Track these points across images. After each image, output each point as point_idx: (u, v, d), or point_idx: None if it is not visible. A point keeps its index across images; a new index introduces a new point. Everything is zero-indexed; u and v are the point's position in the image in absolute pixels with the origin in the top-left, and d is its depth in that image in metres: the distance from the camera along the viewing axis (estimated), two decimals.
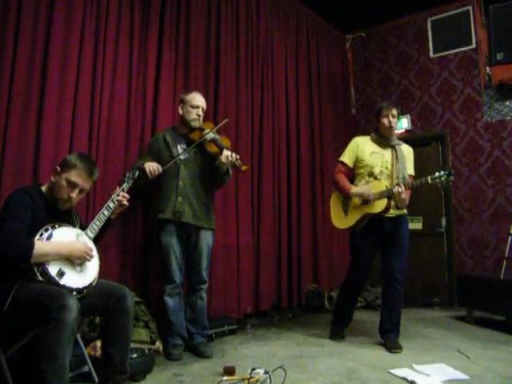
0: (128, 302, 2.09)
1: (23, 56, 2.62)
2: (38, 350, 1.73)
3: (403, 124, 5.44)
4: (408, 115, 5.46)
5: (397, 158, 3.17)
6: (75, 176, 2.06)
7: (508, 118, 4.85)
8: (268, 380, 2.31)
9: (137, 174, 2.57)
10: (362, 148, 3.24)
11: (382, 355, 2.95)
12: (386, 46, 5.83)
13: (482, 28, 5.04)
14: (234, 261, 3.87)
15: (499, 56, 4.62)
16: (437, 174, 2.89)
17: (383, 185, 3.08)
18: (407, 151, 3.27)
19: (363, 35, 6.03)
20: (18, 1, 2.63)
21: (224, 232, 3.78)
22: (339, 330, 3.38)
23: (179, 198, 2.91)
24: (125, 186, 2.45)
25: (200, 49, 3.81)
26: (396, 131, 3.36)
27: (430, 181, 2.89)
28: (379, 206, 3.05)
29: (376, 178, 3.16)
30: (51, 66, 2.74)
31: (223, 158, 2.85)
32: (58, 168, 2.09)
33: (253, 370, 2.39)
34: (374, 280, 4.59)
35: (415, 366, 2.62)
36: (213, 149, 2.95)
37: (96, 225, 2.21)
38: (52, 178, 2.10)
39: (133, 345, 2.52)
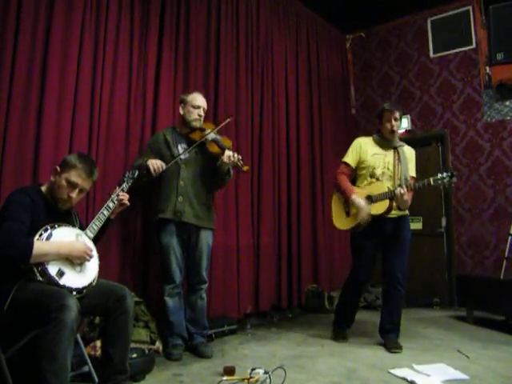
0: (128, 301, 2.09)
1: (23, 56, 2.62)
2: (37, 350, 1.73)
3: (403, 124, 5.44)
4: (408, 115, 5.46)
5: (399, 159, 3.17)
6: (75, 176, 2.06)
7: (508, 117, 4.85)
8: (268, 380, 2.31)
9: (136, 173, 2.57)
10: (365, 149, 3.23)
11: (382, 355, 2.95)
12: (386, 46, 5.83)
13: (481, 28, 5.04)
14: (234, 261, 3.87)
15: (499, 56, 4.62)
16: (439, 175, 2.88)
17: (385, 186, 3.08)
18: (409, 153, 3.26)
19: (363, 35, 6.03)
20: (18, 1, 2.63)
21: (224, 232, 3.78)
22: (341, 330, 3.37)
23: (180, 198, 2.91)
24: (124, 185, 2.45)
25: (200, 49, 3.81)
26: None
27: (432, 182, 2.89)
28: (381, 207, 3.05)
29: (378, 179, 3.16)
30: (51, 66, 2.74)
31: (225, 158, 2.86)
32: (58, 168, 2.09)
33: (253, 370, 2.39)
34: (375, 280, 4.59)
35: (415, 366, 2.62)
36: (214, 149, 2.96)
37: (96, 225, 2.21)
38: (52, 178, 2.10)
39: (133, 345, 2.52)
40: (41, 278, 1.87)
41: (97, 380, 2.18)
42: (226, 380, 2.37)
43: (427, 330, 3.72)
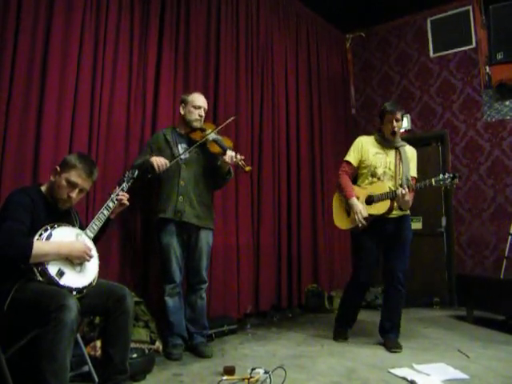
0: (128, 301, 2.09)
1: (23, 56, 2.62)
2: (37, 350, 1.73)
3: (403, 124, 5.44)
4: (408, 115, 5.46)
5: (401, 159, 3.16)
6: (75, 176, 2.06)
7: (508, 117, 4.85)
8: (268, 380, 2.31)
9: (136, 173, 2.57)
10: (366, 148, 3.23)
11: (381, 355, 2.95)
12: (386, 45, 5.83)
13: (481, 28, 5.04)
14: (234, 261, 3.87)
15: (499, 56, 4.62)
16: (441, 176, 2.88)
17: (386, 186, 3.08)
18: (411, 153, 3.25)
19: (363, 35, 6.03)
20: (18, 1, 2.63)
21: (224, 232, 3.78)
22: (342, 330, 3.36)
23: (180, 198, 2.91)
24: (124, 185, 2.45)
25: (200, 49, 3.81)
26: None
27: (434, 183, 2.88)
28: (382, 207, 3.05)
29: (379, 179, 3.15)
30: (51, 66, 2.74)
31: (227, 159, 2.87)
32: (58, 168, 2.09)
33: (253, 369, 2.38)
34: (374, 280, 4.59)
35: (415, 366, 2.62)
36: (215, 149, 2.96)
37: (96, 224, 2.21)
38: (52, 178, 2.10)
39: (133, 345, 2.52)
40: (41, 278, 1.88)
41: (97, 380, 2.18)
42: (226, 380, 2.37)
43: (427, 330, 3.72)
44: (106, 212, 2.28)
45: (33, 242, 1.85)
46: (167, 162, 2.85)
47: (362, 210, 3.07)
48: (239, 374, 2.43)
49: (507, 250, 4.02)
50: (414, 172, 3.22)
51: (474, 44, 5.13)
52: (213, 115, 3.81)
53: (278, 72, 4.70)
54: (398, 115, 3.13)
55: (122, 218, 2.94)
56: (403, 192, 2.92)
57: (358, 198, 3.15)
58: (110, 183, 2.91)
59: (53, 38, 2.76)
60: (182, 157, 2.95)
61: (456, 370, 2.55)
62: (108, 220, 2.31)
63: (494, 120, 4.93)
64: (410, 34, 5.63)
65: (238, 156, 2.89)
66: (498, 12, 4.66)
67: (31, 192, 2.05)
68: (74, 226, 2.15)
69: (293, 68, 4.94)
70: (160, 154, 2.96)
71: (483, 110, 5.01)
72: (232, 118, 3.11)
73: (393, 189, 3.04)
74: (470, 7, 5.15)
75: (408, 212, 3.21)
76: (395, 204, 3.04)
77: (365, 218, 3.08)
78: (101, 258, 2.19)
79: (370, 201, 3.11)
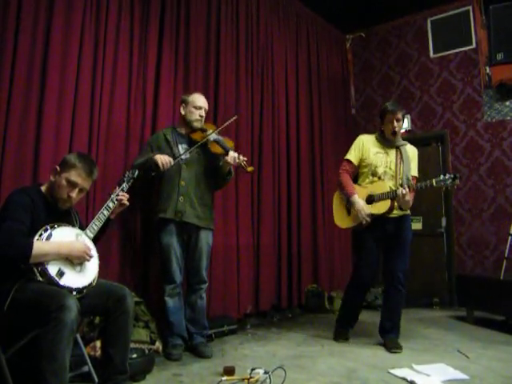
0: (128, 302, 2.09)
1: (23, 56, 2.62)
2: (37, 350, 1.73)
3: (403, 124, 5.44)
4: (408, 115, 5.46)
5: (401, 158, 3.16)
6: (75, 175, 2.06)
7: (508, 118, 4.85)
8: (268, 380, 2.31)
9: (136, 173, 2.57)
10: (367, 147, 3.23)
11: (381, 355, 2.95)
12: (386, 46, 5.83)
13: (482, 28, 5.04)
14: (233, 261, 3.87)
15: (499, 56, 4.62)
16: (442, 176, 2.87)
17: (387, 185, 3.08)
18: (412, 152, 3.25)
19: (363, 35, 6.03)
20: (18, 1, 2.63)
21: (224, 232, 3.78)
22: (343, 330, 3.36)
23: (181, 198, 2.91)
24: (124, 185, 2.45)
25: (200, 49, 3.81)
26: None
27: (434, 184, 2.88)
28: (382, 206, 3.05)
29: (380, 178, 3.15)
30: (51, 67, 2.74)
31: (230, 160, 2.88)
32: (58, 168, 2.09)
33: (253, 369, 2.39)
34: (374, 280, 4.59)
35: (415, 366, 2.62)
36: (217, 149, 2.97)
37: (95, 225, 2.21)
38: (52, 178, 2.10)
39: (133, 345, 2.52)
40: (41, 278, 1.88)
41: (97, 380, 2.18)
42: (226, 380, 2.37)
43: (427, 330, 3.72)
44: (106, 212, 2.28)
45: (33, 242, 1.85)
46: (171, 160, 2.85)
47: (364, 206, 3.07)
48: (239, 374, 2.43)
49: (507, 250, 4.02)
50: (414, 171, 3.21)
51: (474, 44, 5.13)
52: (213, 115, 3.81)
53: (278, 72, 4.70)
54: (399, 115, 3.12)
55: (121, 218, 2.94)
56: (403, 192, 2.92)
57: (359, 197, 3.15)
58: (110, 183, 2.91)
59: (53, 38, 2.76)
60: (183, 157, 2.95)
61: (456, 370, 2.55)
62: (108, 220, 2.31)
63: (494, 120, 4.93)
64: (410, 34, 5.63)
65: (241, 157, 2.90)
66: (498, 12, 4.66)
67: (31, 192, 2.05)
68: (73, 226, 2.15)
69: (293, 68, 4.94)
70: (160, 153, 2.95)
71: (483, 110, 5.01)
72: (234, 118, 3.11)
73: (393, 188, 3.04)
74: (470, 7, 5.15)
75: (408, 212, 3.21)
76: (395, 204, 3.04)
77: (368, 215, 3.09)
78: (101, 258, 2.19)
79: (370, 200, 3.11)
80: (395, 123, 3.12)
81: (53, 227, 1.98)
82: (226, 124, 3.09)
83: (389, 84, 5.76)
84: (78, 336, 2.21)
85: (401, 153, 3.18)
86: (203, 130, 3.04)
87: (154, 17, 3.44)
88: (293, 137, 4.78)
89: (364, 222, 3.07)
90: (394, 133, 3.15)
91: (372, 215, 3.08)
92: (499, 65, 4.67)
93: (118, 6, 3.19)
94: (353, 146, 3.31)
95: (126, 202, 2.41)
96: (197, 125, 3.03)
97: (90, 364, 2.22)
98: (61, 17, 2.82)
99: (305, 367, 2.67)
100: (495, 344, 3.19)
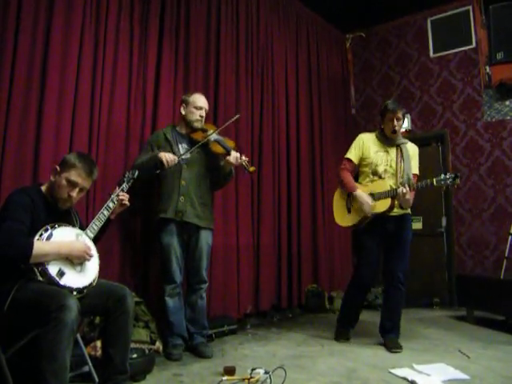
0: (128, 302, 2.09)
1: (23, 56, 2.62)
2: (37, 350, 1.73)
3: (404, 124, 5.44)
4: (408, 115, 5.45)
5: (402, 157, 3.15)
6: (75, 175, 2.06)
7: (508, 117, 4.85)
8: (268, 380, 2.31)
9: (136, 174, 2.56)
10: (368, 145, 3.22)
11: (382, 355, 2.95)
12: (386, 46, 5.83)
13: (481, 28, 5.04)
14: (233, 261, 3.87)
15: (499, 56, 4.62)
16: (442, 176, 2.87)
17: (387, 184, 3.07)
18: (412, 150, 3.24)
19: (363, 35, 6.03)
20: (18, 1, 2.63)
21: (224, 232, 3.78)
22: (344, 330, 3.35)
23: (181, 198, 2.91)
24: (124, 186, 2.45)
25: (200, 49, 3.81)
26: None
27: (435, 183, 2.88)
28: (383, 205, 3.05)
29: (380, 177, 3.15)
30: (51, 67, 2.74)
31: (232, 160, 2.88)
32: (58, 167, 2.09)
33: (253, 370, 2.38)
34: (374, 280, 4.59)
35: (415, 366, 2.62)
36: (218, 149, 2.97)
37: (96, 225, 2.21)
38: (52, 178, 2.10)
39: (133, 345, 2.52)
40: (41, 278, 1.87)
41: (97, 380, 2.18)
42: (227, 380, 2.37)
43: (427, 330, 3.72)
44: (106, 212, 2.28)
45: (33, 242, 1.85)
46: (176, 157, 2.85)
47: (368, 199, 3.07)
48: (239, 374, 2.43)
49: (507, 250, 4.02)
50: (415, 169, 3.21)
51: (474, 44, 5.13)
52: (213, 115, 3.81)
53: (278, 72, 4.70)
54: (399, 114, 3.12)
55: (122, 218, 2.94)
56: (404, 191, 2.92)
57: None
58: (110, 183, 2.91)
59: (53, 38, 2.76)
60: (184, 157, 2.94)
61: (456, 370, 2.55)
62: (108, 220, 2.31)
63: (494, 120, 4.93)
64: (410, 34, 5.63)
65: (243, 157, 2.91)
66: (497, 12, 4.66)
67: (31, 192, 2.05)
68: (74, 226, 2.15)
69: (293, 68, 4.94)
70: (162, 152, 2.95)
71: (483, 109, 5.01)
72: (237, 116, 3.11)
73: (394, 187, 3.04)
74: (470, 7, 5.15)
75: (409, 211, 3.20)
76: (396, 202, 3.04)
77: (365, 216, 3.09)
78: (101, 258, 2.19)
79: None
80: (395, 122, 3.12)
81: (53, 227, 1.98)
82: (228, 122, 3.10)
83: (389, 84, 5.76)
84: (79, 336, 2.21)
85: (401, 151, 3.18)
86: (203, 130, 3.04)
87: (153, 17, 3.44)
88: (293, 137, 4.78)
89: (369, 215, 3.06)
90: (394, 131, 3.14)
91: (372, 214, 3.09)
92: (499, 64, 4.67)
93: (117, 6, 3.18)
94: (353, 145, 3.31)
95: (127, 203, 2.41)
96: (197, 125, 3.03)
97: (90, 364, 2.22)
98: (61, 17, 2.82)
99: (305, 367, 2.67)
100: (495, 344, 3.19)
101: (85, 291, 1.99)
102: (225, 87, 3.99)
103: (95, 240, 2.20)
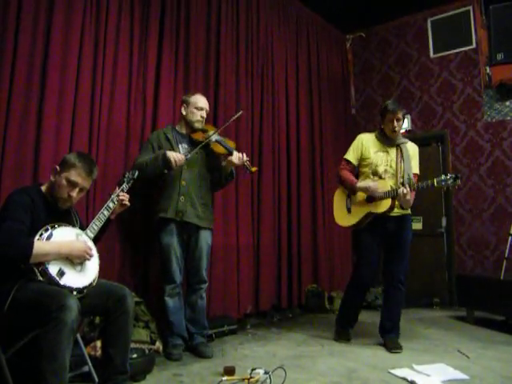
0: (128, 302, 2.09)
1: (23, 56, 2.62)
2: (38, 350, 1.73)
3: (403, 124, 5.44)
4: (408, 115, 5.45)
5: (402, 157, 3.15)
6: (75, 175, 2.06)
7: (508, 118, 4.85)
8: (268, 380, 2.31)
9: (136, 174, 2.56)
10: (367, 146, 3.22)
11: (382, 355, 2.95)
12: (386, 46, 5.83)
13: (482, 28, 5.04)
14: (233, 261, 3.87)
15: (499, 56, 4.62)
16: (443, 176, 2.87)
17: (388, 184, 3.07)
18: (412, 150, 3.24)
19: (363, 35, 6.03)
20: (18, 1, 2.63)
21: (224, 232, 3.78)
22: (343, 331, 3.35)
23: (181, 198, 2.91)
24: (124, 186, 2.45)
25: (200, 50, 3.81)
26: None
27: (436, 184, 2.88)
28: (383, 205, 3.04)
29: (380, 177, 3.15)
30: (51, 67, 2.74)
31: (235, 160, 2.89)
32: (58, 167, 2.09)
33: (253, 370, 2.39)
34: (374, 280, 4.59)
35: (415, 366, 2.62)
36: (219, 149, 2.97)
37: (96, 225, 2.21)
38: (52, 178, 2.10)
39: (133, 345, 2.52)
40: (41, 278, 1.88)
41: (97, 380, 2.18)
42: (226, 380, 2.38)
43: (427, 330, 3.72)
44: (106, 212, 2.28)
45: (33, 242, 1.85)
46: (183, 157, 2.85)
47: (369, 182, 3.06)
48: (239, 374, 2.43)
49: (507, 250, 4.01)
50: (416, 169, 3.21)
51: (474, 44, 5.13)
52: (213, 115, 3.81)
53: (278, 72, 4.70)
54: (399, 115, 3.11)
55: (122, 218, 2.93)
56: (404, 191, 2.92)
57: (359, 196, 3.15)
58: (110, 183, 2.91)
59: (53, 38, 2.76)
60: (188, 157, 2.93)
61: (456, 370, 2.55)
62: (108, 220, 2.31)
63: (494, 120, 4.93)
64: (410, 35, 5.63)
65: (245, 157, 2.90)
66: (498, 12, 4.66)
67: (31, 192, 2.05)
68: (74, 225, 2.15)
69: (293, 68, 4.94)
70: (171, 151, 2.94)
71: (483, 110, 5.01)
72: (240, 113, 3.10)
73: (394, 187, 3.04)
74: (471, 7, 5.15)
75: (409, 211, 3.20)
76: (396, 202, 3.04)
77: (365, 216, 3.09)
78: (101, 258, 2.19)
79: (371, 199, 3.11)
80: (395, 123, 3.12)
81: (53, 227, 1.98)
82: (232, 119, 3.10)
83: (389, 84, 5.76)
84: (79, 336, 2.22)
85: (401, 151, 3.18)
86: (204, 131, 3.05)
87: (154, 17, 3.44)
88: (293, 137, 4.78)
89: (376, 195, 3.03)
90: (394, 132, 3.14)
91: (372, 214, 3.09)
92: (499, 65, 4.67)
93: (118, 6, 3.18)
94: (352, 146, 3.30)
95: (127, 203, 2.41)
96: (198, 125, 3.04)
97: (90, 364, 2.23)
98: (61, 17, 2.82)
99: (305, 367, 2.67)
100: (495, 344, 3.19)
101: (85, 291, 1.99)
102: (225, 87, 3.99)
103: (95, 240, 2.20)
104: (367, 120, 5.88)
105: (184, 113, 3.05)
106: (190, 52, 3.70)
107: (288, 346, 3.23)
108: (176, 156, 2.80)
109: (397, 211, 3.10)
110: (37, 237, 1.90)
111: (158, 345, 2.91)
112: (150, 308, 3.01)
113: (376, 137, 3.26)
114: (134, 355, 2.42)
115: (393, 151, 3.20)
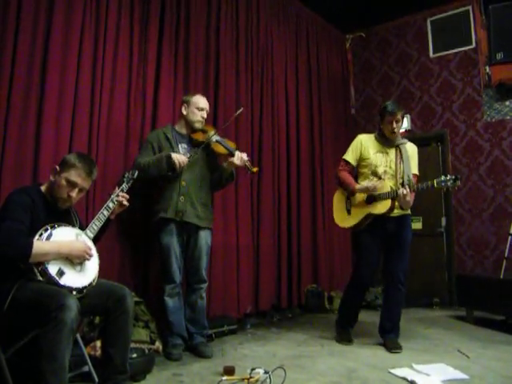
0: (128, 301, 2.09)
1: (23, 56, 2.62)
2: (37, 349, 1.73)
3: (403, 124, 5.44)
4: (408, 115, 5.45)
5: (401, 157, 3.15)
6: (75, 175, 2.06)
7: (508, 117, 4.85)
8: (268, 380, 2.31)
9: (136, 174, 2.56)
10: (366, 146, 3.21)
11: (382, 355, 2.95)
12: (386, 46, 5.83)
13: (481, 28, 5.04)
14: (233, 261, 3.87)
15: (499, 56, 4.62)
16: (443, 177, 2.87)
17: (388, 185, 3.07)
18: (412, 150, 3.23)
19: (363, 35, 6.03)
20: (18, 1, 2.63)
21: (224, 232, 3.78)
22: (344, 331, 3.34)
23: (181, 198, 2.91)
24: (124, 186, 2.45)
25: (200, 49, 3.81)
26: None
27: (436, 184, 2.88)
28: (383, 206, 3.04)
29: (380, 178, 3.14)
30: (51, 66, 2.74)
31: (237, 160, 2.89)
32: (58, 167, 2.09)
33: (253, 369, 2.39)
34: (374, 280, 4.59)
35: (415, 366, 2.62)
36: (220, 150, 2.97)
37: (95, 225, 2.21)
38: (51, 178, 2.10)
39: (133, 345, 2.52)
40: (41, 278, 1.88)
41: (97, 380, 2.18)
42: (226, 380, 2.37)
43: (427, 330, 3.72)
44: (105, 212, 2.28)
45: (33, 242, 1.85)
46: (186, 158, 2.85)
47: (367, 182, 3.06)
48: (239, 374, 2.43)
49: (507, 250, 4.02)
50: (415, 169, 3.21)
51: (473, 44, 5.13)
52: (213, 115, 3.80)
53: (278, 72, 4.70)
54: (399, 116, 3.11)
55: (122, 218, 2.93)
56: (404, 192, 2.92)
57: (359, 198, 3.15)
58: (110, 183, 2.91)
59: (53, 39, 2.76)
60: (190, 158, 2.93)
61: (456, 370, 2.55)
62: (108, 220, 2.31)
63: (493, 120, 4.93)
64: (410, 34, 5.63)
65: (246, 157, 2.91)
66: (497, 12, 4.66)
67: (31, 192, 2.05)
68: (73, 225, 2.15)
69: (293, 68, 4.94)
70: (162, 151, 2.95)
71: (483, 110, 5.01)
72: (241, 110, 3.10)
73: (394, 188, 3.04)
74: (470, 7, 5.15)
75: (409, 211, 3.20)
76: (396, 203, 3.04)
77: (365, 217, 3.09)
78: (101, 258, 2.19)
79: (371, 200, 3.10)
80: (394, 124, 3.11)
81: (53, 227, 1.98)
82: (233, 117, 3.11)
83: (389, 84, 5.76)
84: (78, 336, 2.21)
85: (400, 152, 3.17)
86: (204, 131, 3.05)
87: (153, 16, 3.44)
88: (293, 137, 4.78)
89: (376, 192, 3.03)
90: (394, 133, 3.14)
91: (372, 215, 3.09)
92: (499, 64, 4.67)
93: (117, 6, 3.18)
94: (350, 147, 3.30)
95: (126, 203, 2.41)
96: (198, 126, 3.04)
97: (90, 364, 2.22)
98: (61, 16, 2.82)
99: (305, 367, 2.67)
100: (495, 344, 3.19)
101: (84, 291, 1.99)
102: (225, 87, 3.99)
103: (95, 240, 2.20)
104: (367, 120, 5.88)
105: (184, 113, 3.05)
106: (190, 51, 3.70)
107: (288, 345, 3.23)
108: (179, 158, 2.81)
109: (396, 211, 3.10)
110: (36, 237, 1.90)
111: (158, 345, 2.91)
112: (149, 308, 3.01)
113: (375, 138, 3.25)
114: (134, 355, 2.42)
115: (392, 152, 3.19)
